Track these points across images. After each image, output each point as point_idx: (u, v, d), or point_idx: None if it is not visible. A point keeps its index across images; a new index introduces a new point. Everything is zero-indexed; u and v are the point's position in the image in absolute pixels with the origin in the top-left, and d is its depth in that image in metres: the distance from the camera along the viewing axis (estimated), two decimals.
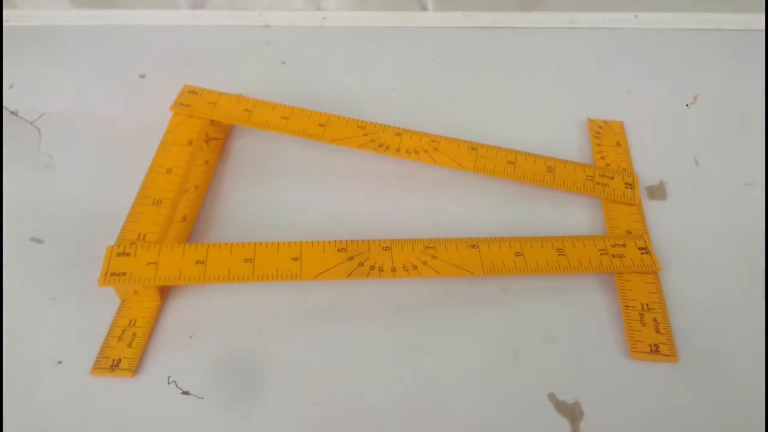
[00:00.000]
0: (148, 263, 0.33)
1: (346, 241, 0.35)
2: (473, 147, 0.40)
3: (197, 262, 0.33)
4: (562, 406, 0.31)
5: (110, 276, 0.32)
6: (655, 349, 0.32)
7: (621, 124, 0.44)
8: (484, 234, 0.36)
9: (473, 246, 0.35)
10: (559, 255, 0.35)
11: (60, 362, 0.32)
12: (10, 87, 0.47)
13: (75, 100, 0.46)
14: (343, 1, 0.53)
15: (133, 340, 0.32)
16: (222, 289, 0.35)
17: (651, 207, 0.39)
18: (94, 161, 0.42)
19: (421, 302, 0.35)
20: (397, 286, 0.35)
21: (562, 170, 0.40)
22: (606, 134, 0.43)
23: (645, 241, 0.36)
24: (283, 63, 0.50)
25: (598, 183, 0.39)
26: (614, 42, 0.52)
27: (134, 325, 0.33)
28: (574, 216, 0.39)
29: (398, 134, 0.41)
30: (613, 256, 0.35)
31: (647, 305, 0.33)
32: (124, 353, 0.32)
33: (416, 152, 0.40)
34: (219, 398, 0.31)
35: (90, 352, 0.32)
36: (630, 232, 0.37)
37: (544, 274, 0.35)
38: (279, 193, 0.40)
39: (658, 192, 0.40)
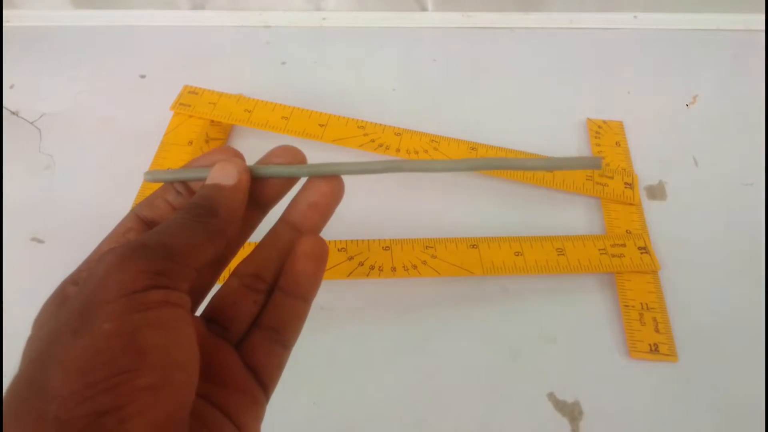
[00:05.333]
0: None
1: (346, 240, 0.35)
2: (473, 147, 0.40)
3: None
4: (562, 405, 0.31)
5: None
6: (654, 349, 0.32)
7: (620, 124, 0.44)
8: (484, 234, 0.36)
9: (473, 246, 0.35)
10: (558, 255, 0.35)
11: None
12: (11, 87, 0.47)
13: (75, 100, 0.47)
14: (343, 2, 0.53)
15: None
16: None
17: (650, 207, 0.39)
18: (94, 161, 0.42)
19: (421, 302, 0.35)
20: (397, 286, 0.35)
21: (562, 171, 0.40)
22: (605, 134, 0.43)
23: (644, 241, 0.36)
24: (283, 63, 0.50)
25: (597, 183, 0.39)
26: (614, 42, 0.52)
27: None
28: (573, 216, 0.39)
29: (398, 134, 0.41)
30: (613, 255, 0.35)
31: (647, 305, 0.33)
32: None
33: (416, 152, 0.40)
34: None
35: None
36: (629, 232, 0.37)
37: (544, 274, 0.35)
38: None
39: (657, 192, 0.40)
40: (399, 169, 0.22)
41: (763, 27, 0.52)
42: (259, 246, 0.23)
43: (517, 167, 0.22)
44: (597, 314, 0.34)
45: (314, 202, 0.22)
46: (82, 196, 0.40)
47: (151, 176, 0.22)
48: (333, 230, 0.38)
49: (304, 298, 0.22)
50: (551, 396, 0.31)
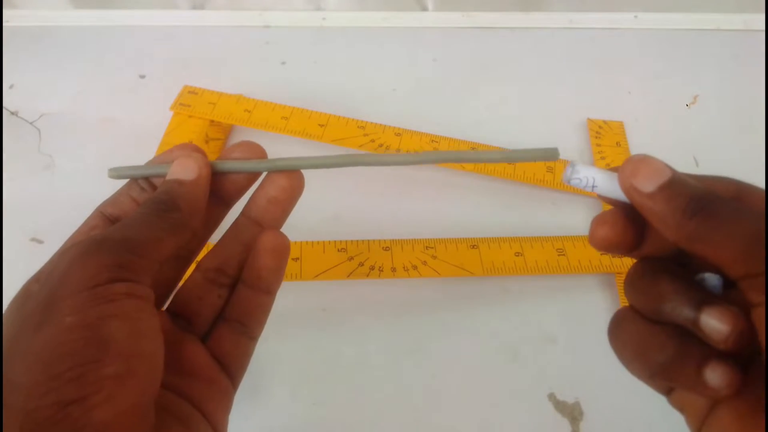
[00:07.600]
0: None
1: (346, 241, 0.35)
2: (473, 147, 0.40)
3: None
4: (562, 406, 0.31)
5: None
6: None
7: (621, 124, 0.44)
8: (484, 234, 0.36)
9: (473, 246, 0.35)
10: (559, 255, 0.35)
11: None
12: (10, 87, 0.47)
13: (75, 100, 0.46)
14: (343, 1, 0.53)
15: None
16: None
17: None
18: (94, 161, 0.42)
19: (421, 303, 0.35)
20: (397, 286, 0.35)
21: (561, 170, 0.40)
22: (606, 134, 0.43)
23: None
24: (283, 63, 0.50)
25: None
26: (614, 42, 0.52)
27: None
28: (574, 216, 0.39)
29: (398, 134, 0.41)
30: (613, 256, 0.35)
31: None
32: None
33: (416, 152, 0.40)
34: None
35: None
36: None
37: (544, 274, 0.35)
38: None
39: None
40: (358, 162, 0.22)
41: (763, 27, 0.52)
42: (222, 241, 0.23)
43: (475, 160, 0.23)
44: (597, 314, 0.34)
45: (274, 197, 0.23)
46: (82, 196, 0.39)
47: (115, 172, 0.22)
48: (333, 230, 0.38)
49: (267, 291, 0.22)
50: (551, 396, 0.31)
